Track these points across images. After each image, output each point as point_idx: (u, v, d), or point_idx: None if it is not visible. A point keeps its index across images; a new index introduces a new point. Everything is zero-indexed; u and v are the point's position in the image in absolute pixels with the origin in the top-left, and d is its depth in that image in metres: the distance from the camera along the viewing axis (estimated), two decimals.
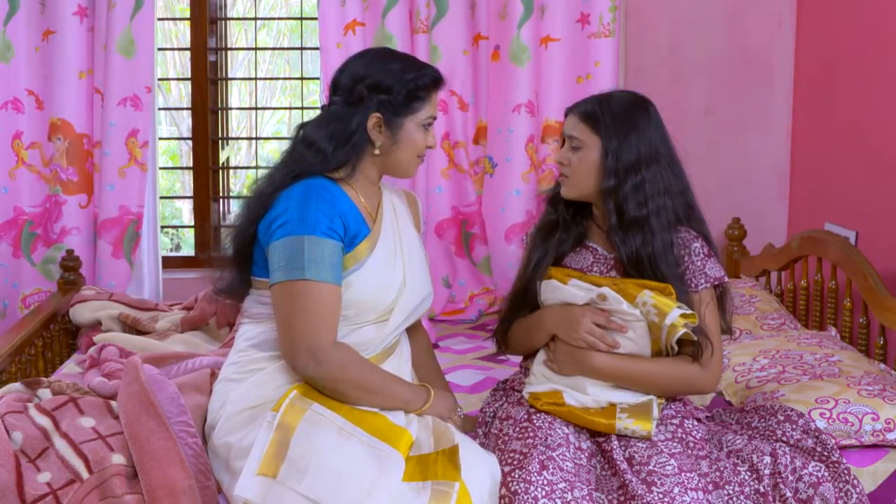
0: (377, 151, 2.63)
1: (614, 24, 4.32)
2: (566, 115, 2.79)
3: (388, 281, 2.62)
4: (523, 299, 2.84)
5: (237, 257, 2.64)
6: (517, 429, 2.62)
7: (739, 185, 4.56)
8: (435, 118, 2.68)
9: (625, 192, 2.65)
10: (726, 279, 2.75)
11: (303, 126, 2.67)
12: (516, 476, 2.43)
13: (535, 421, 2.61)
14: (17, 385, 2.94)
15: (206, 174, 4.68)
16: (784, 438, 2.67)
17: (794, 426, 2.70)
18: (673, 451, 2.55)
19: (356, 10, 4.29)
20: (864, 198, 3.85)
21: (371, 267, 2.58)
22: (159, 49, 4.49)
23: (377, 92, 2.59)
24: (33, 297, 4.35)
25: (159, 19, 4.43)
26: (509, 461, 2.49)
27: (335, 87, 2.67)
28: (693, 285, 2.68)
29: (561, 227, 2.83)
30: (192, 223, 4.76)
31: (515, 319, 2.87)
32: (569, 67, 4.40)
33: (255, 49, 4.80)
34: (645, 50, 4.48)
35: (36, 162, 4.34)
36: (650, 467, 2.49)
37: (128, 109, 4.26)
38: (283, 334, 2.52)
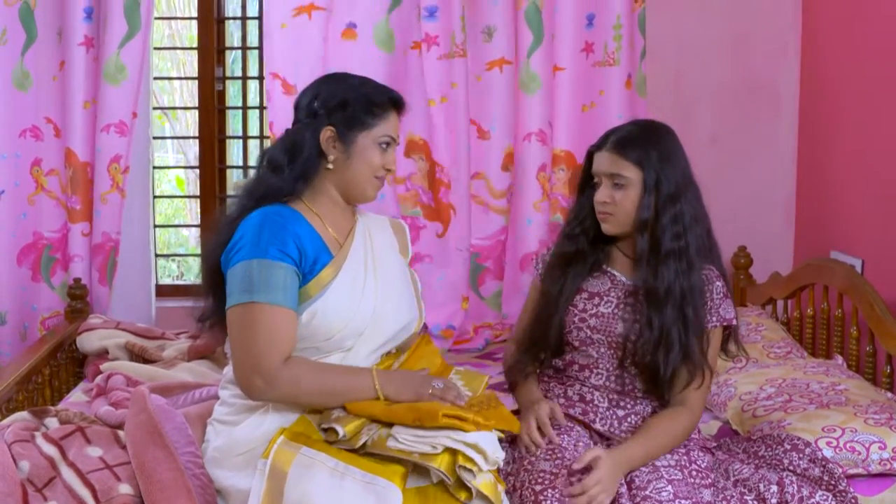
0: (330, 165, 2.62)
1: (619, 52, 4.32)
2: (593, 153, 2.77)
3: (355, 308, 2.59)
4: (542, 337, 2.82)
5: (212, 289, 2.64)
6: (544, 449, 2.63)
7: (745, 213, 4.56)
8: (394, 139, 2.66)
9: (663, 224, 2.65)
10: (735, 322, 2.77)
11: (265, 151, 2.71)
12: (549, 495, 2.45)
13: (561, 441, 2.64)
14: (24, 414, 2.95)
15: (214, 203, 4.69)
16: (791, 467, 2.67)
17: (801, 455, 2.70)
18: (672, 476, 2.56)
19: None
20: (870, 226, 3.85)
21: (335, 293, 2.56)
22: (165, 78, 4.50)
23: (332, 106, 2.61)
24: (51, 320, 4.38)
25: (163, 48, 4.45)
26: (540, 480, 2.50)
27: (296, 108, 2.69)
28: (705, 320, 2.71)
29: (578, 259, 2.81)
30: (198, 251, 4.77)
31: (531, 361, 2.87)
32: (574, 96, 4.39)
33: (260, 78, 4.83)
34: (650, 77, 4.49)
35: (55, 188, 4.39)
36: (646, 492, 2.50)
37: (112, 136, 4.28)
38: (234, 357, 2.52)
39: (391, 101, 2.65)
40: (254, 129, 4.85)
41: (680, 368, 2.66)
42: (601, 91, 4.36)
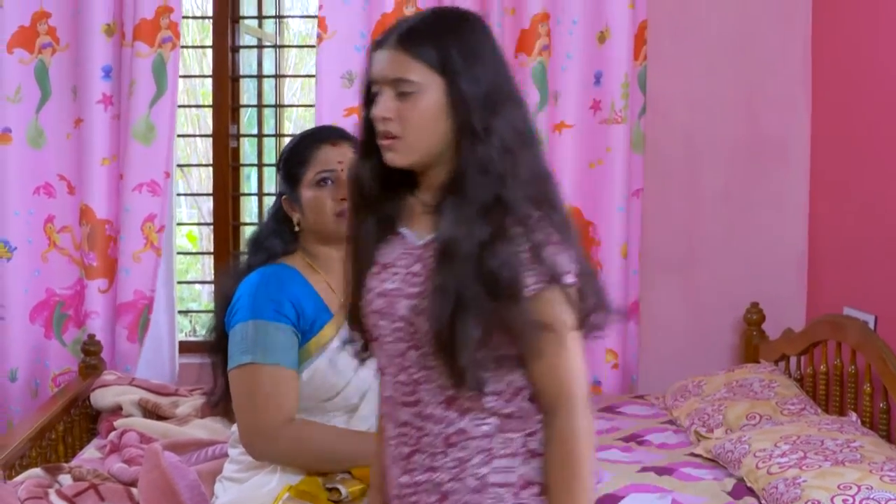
0: (297, 228, 2.65)
1: (626, 110, 4.35)
2: (374, 51, 1.93)
3: (357, 366, 2.54)
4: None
5: (219, 369, 2.65)
6: None
7: (757, 269, 4.56)
8: (329, 170, 2.59)
9: (474, 149, 1.85)
10: (569, 280, 1.85)
11: None
12: None
13: None
14: (37, 470, 2.96)
15: (228, 259, 4.71)
16: None
17: None
18: None
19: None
20: (883, 281, 3.85)
21: (335, 351, 2.54)
22: (182, 136, 4.55)
23: (280, 176, 2.69)
24: (63, 377, 4.39)
25: (179, 106, 4.51)
26: None
27: None
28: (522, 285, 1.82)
29: (369, 211, 1.99)
30: (210, 307, 4.79)
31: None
32: (580, 153, 4.40)
33: (277, 136, 4.90)
34: (661, 133, 4.51)
35: (68, 245, 4.42)
36: None
37: (144, 195, 4.32)
38: (238, 419, 2.53)
39: (317, 139, 2.65)
40: (269, 186, 4.89)
41: (501, 343, 1.83)
42: (608, 148, 4.37)
